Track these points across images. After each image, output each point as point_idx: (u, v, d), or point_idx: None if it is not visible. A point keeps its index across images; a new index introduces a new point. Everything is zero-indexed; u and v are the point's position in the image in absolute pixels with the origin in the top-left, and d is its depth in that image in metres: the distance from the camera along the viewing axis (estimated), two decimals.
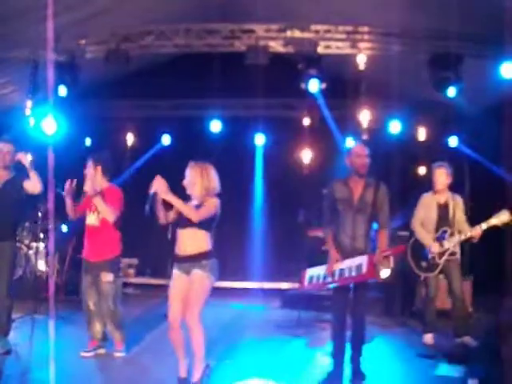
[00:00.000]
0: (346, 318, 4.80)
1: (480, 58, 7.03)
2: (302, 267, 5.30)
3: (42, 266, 8.17)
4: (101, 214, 5.26)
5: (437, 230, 5.93)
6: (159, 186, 4.37)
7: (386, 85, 8.11)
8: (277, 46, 7.44)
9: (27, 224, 8.30)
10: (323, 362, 4.93)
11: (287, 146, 9.92)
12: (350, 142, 9.01)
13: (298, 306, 7.30)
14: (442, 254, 5.85)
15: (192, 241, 4.52)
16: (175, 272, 4.57)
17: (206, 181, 4.63)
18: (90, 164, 5.40)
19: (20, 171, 5.51)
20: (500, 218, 5.56)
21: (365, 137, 7.89)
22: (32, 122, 7.89)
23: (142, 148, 10.40)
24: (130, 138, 10.40)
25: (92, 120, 9.73)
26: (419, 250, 5.99)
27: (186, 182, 4.66)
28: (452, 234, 5.86)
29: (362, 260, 4.57)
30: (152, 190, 4.40)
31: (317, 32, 7.34)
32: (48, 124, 7.71)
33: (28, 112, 7.82)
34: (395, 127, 9.12)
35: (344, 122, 9.02)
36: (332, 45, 7.42)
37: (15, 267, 5.76)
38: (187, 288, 4.50)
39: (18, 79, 7.78)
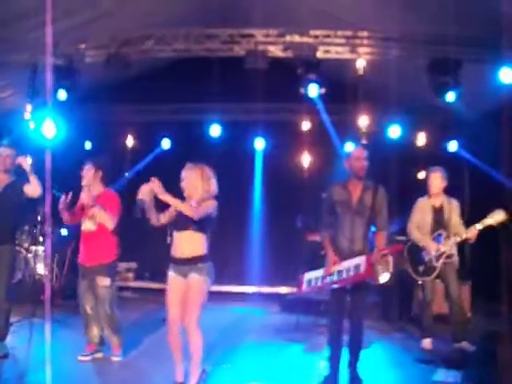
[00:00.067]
0: (343, 321, 4.81)
1: (479, 63, 7.04)
2: (301, 271, 5.29)
3: (41, 269, 8.17)
4: (100, 221, 5.26)
5: (432, 233, 5.96)
6: (155, 187, 4.37)
7: (386, 89, 8.11)
8: (276, 51, 7.44)
9: (27, 227, 8.30)
10: (321, 366, 4.92)
11: (286, 151, 9.93)
12: (349, 146, 9.00)
13: (296, 310, 7.31)
14: (438, 257, 5.86)
15: (189, 244, 4.53)
16: (171, 274, 4.58)
17: (206, 183, 4.64)
18: (89, 167, 5.40)
19: (20, 175, 5.53)
20: (495, 218, 5.58)
21: (364, 141, 7.89)
22: (32, 125, 7.91)
23: (141, 152, 10.41)
24: (129, 142, 10.42)
25: (91, 124, 9.75)
26: (416, 254, 6.01)
27: (184, 184, 4.64)
28: (447, 237, 5.88)
29: (360, 260, 4.60)
30: (140, 196, 4.41)
31: (316, 37, 7.34)
32: (48, 128, 7.72)
33: (27, 116, 7.84)
34: (394, 132, 9.12)
35: (343, 127, 9.02)
36: (331, 49, 7.42)
37: (14, 271, 5.77)
38: (184, 290, 4.51)
39: (17, 83, 7.79)
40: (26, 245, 8.16)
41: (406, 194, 6.74)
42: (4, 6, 6.39)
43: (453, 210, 5.96)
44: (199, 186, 4.60)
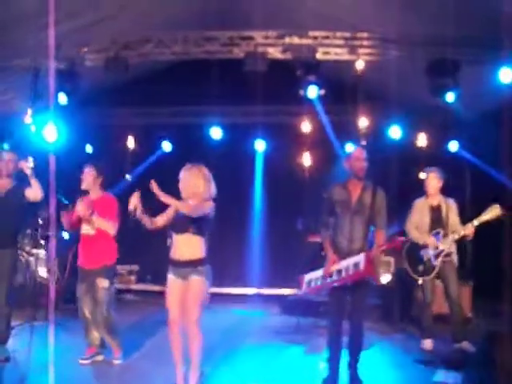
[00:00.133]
0: (342, 322, 4.83)
1: (478, 64, 7.04)
2: (302, 273, 5.31)
3: (42, 272, 8.19)
4: (100, 229, 5.27)
5: (430, 232, 6.00)
6: (154, 190, 4.38)
7: (385, 90, 8.12)
8: (275, 53, 7.46)
9: (28, 231, 8.32)
10: (320, 368, 4.92)
11: (286, 152, 9.92)
12: (349, 147, 9.02)
13: (297, 312, 7.30)
14: (437, 256, 5.88)
15: (188, 247, 4.55)
16: (170, 277, 4.60)
17: (207, 185, 4.64)
18: (89, 171, 5.41)
19: (21, 180, 5.56)
20: (491, 213, 5.61)
21: (363, 142, 7.89)
22: (33, 129, 7.94)
23: (142, 155, 10.42)
24: (130, 145, 10.42)
25: (92, 127, 9.76)
26: (415, 254, 6.03)
27: (182, 185, 4.64)
28: (445, 235, 5.90)
29: (359, 258, 4.64)
30: (130, 207, 4.43)
31: (315, 38, 7.36)
32: (49, 131, 7.75)
33: (28, 119, 7.87)
34: (394, 132, 9.12)
35: (343, 128, 9.02)
36: (330, 51, 7.42)
37: (15, 275, 5.80)
38: (184, 293, 4.54)
39: (18, 86, 7.81)
40: (27, 248, 8.17)
41: (407, 194, 6.74)
42: (5, 10, 6.41)
43: (450, 210, 6.01)
44: (200, 185, 4.60)
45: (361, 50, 7.44)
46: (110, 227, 5.27)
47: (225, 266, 9.12)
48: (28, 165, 5.52)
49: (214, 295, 8.91)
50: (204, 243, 4.61)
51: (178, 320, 4.54)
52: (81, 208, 5.22)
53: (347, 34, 7.37)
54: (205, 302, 4.60)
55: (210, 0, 7.61)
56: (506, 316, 5.83)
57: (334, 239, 4.85)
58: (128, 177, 10.34)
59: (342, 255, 4.76)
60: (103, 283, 5.24)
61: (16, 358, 5.36)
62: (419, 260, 6.00)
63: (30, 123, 7.89)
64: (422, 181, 6.29)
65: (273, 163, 10.08)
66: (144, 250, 9.48)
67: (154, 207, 4.69)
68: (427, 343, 5.99)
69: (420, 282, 6.00)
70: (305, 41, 7.38)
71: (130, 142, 10.38)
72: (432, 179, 6.08)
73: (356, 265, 4.64)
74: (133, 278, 10.01)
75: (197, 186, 4.61)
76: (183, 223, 4.52)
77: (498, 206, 5.62)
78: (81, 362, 5.29)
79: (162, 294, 4.72)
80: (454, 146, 9.35)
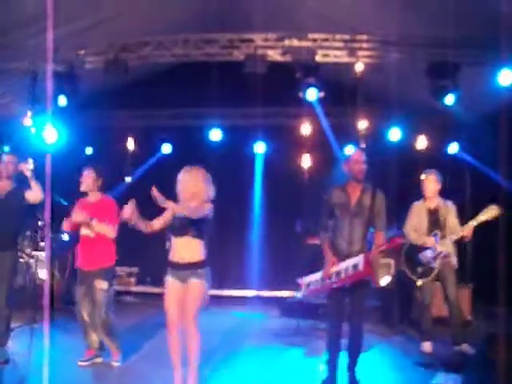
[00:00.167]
0: (341, 324, 4.83)
1: (477, 65, 7.05)
2: (302, 275, 5.34)
3: (42, 274, 8.18)
4: (100, 233, 5.27)
5: (428, 234, 6.00)
6: (155, 197, 4.38)
7: (385, 92, 8.13)
8: (275, 55, 7.48)
9: (28, 233, 8.32)
10: (320, 371, 4.92)
11: (286, 155, 9.93)
12: (349, 150, 9.02)
13: (296, 314, 7.30)
14: (435, 258, 5.89)
15: (187, 249, 4.55)
16: (169, 279, 4.60)
17: (206, 187, 4.64)
18: (89, 173, 5.42)
19: (21, 182, 5.57)
20: (489, 213, 5.65)
21: (363, 144, 7.90)
22: (32, 131, 7.95)
23: (142, 157, 10.44)
24: (129, 148, 10.44)
25: (92, 130, 9.78)
26: (414, 256, 6.03)
27: (181, 187, 4.62)
28: (443, 237, 5.91)
29: (358, 259, 4.65)
30: (125, 216, 4.43)
31: (314, 41, 7.38)
32: (48, 134, 7.76)
33: (28, 122, 7.88)
34: (394, 135, 9.12)
35: (343, 130, 9.03)
36: (330, 53, 7.45)
37: (15, 277, 5.80)
38: (182, 295, 4.54)
39: (17, 89, 7.82)
40: (27, 250, 8.18)
41: (406, 196, 6.74)
42: (3, 13, 6.42)
43: (449, 212, 6.02)
44: (199, 187, 4.60)
45: (360, 53, 7.46)
46: (110, 231, 5.27)
47: (224, 269, 9.14)
48: (28, 167, 5.53)
49: (213, 297, 8.92)
50: (203, 246, 4.61)
51: (177, 322, 4.55)
52: (78, 217, 5.21)
53: (347, 37, 7.39)
54: (204, 304, 4.60)
55: (210, 2, 7.63)
56: (506, 318, 5.83)
57: (334, 241, 4.85)
58: (128, 179, 10.40)
59: (342, 257, 4.77)
60: (102, 285, 5.23)
61: (16, 360, 5.35)
62: (418, 262, 6.00)
63: (30, 126, 7.91)
64: (422, 183, 6.29)
65: (272, 165, 10.09)
66: (144, 252, 9.48)
67: (152, 210, 4.70)
68: (427, 346, 5.98)
69: (419, 283, 6.00)
70: (304, 43, 7.40)
71: (130, 145, 10.40)
72: (430, 182, 6.09)
73: (355, 266, 4.65)
74: (132, 280, 10.02)
75: (196, 188, 4.60)
76: (182, 226, 4.52)
77: (495, 206, 5.65)
78: (80, 364, 5.29)
79: (161, 296, 4.71)
80: (453, 147, 9.36)
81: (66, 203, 6.19)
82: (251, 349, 6.31)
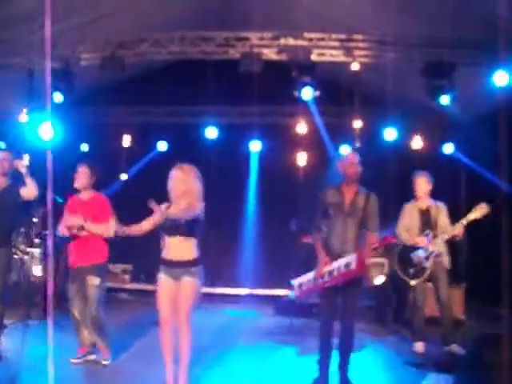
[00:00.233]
0: (333, 324, 4.85)
1: (473, 66, 7.06)
2: (297, 273, 5.36)
3: (36, 271, 8.19)
4: (97, 234, 5.27)
5: (420, 234, 6.02)
6: (156, 210, 4.41)
7: (381, 92, 8.14)
8: (271, 54, 7.48)
9: (23, 229, 8.32)
10: (312, 369, 4.93)
11: (281, 153, 9.94)
12: (344, 150, 9.05)
13: (290, 313, 7.31)
14: (427, 258, 5.91)
15: (180, 248, 4.55)
16: (162, 277, 4.61)
17: (198, 185, 4.65)
18: (83, 170, 5.41)
19: (16, 179, 5.57)
20: (478, 212, 5.70)
21: (358, 144, 7.91)
22: (28, 128, 7.94)
23: (137, 154, 10.43)
24: (125, 144, 10.43)
25: (87, 126, 9.77)
26: (406, 256, 6.05)
27: (173, 184, 4.59)
28: (435, 237, 5.93)
29: (351, 258, 4.68)
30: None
31: (310, 40, 7.38)
32: (45, 130, 7.74)
33: (24, 118, 7.87)
34: (389, 134, 9.12)
35: (338, 130, 9.04)
36: (326, 52, 7.45)
37: (9, 274, 5.80)
38: (175, 293, 4.54)
39: (13, 85, 7.81)
40: (21, 247, 8.18)
41: (402, 196, 6.75)
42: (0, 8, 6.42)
43: (440, 212, 6.05)
44: (191, 185, 4.60)
45: (356, 52, 7.46)
46: (106, 230, 5.27)
47: (219, 267, 9.15)
48: (23, 163, 5.53)
49: (207, 295, 8.96)
50: (196, 244, 4.61)
51: (170, 320, 4.56)
52: (72, 222, 5.20)
53: (342, 36, 7.40)
54: (197, 302, 4.61)
55: (207, 0, 7.62)
56: (499, 319, 5.85)
57: (327, 241, 4.87)
58: (123, 176, 10.40)
59: (334, 257, 4.79)
60: (94, 281, 5.21)
61: (8, 357, 5.35)
62: (410, 263, 6.02)
63: (26, 122, 7.89)
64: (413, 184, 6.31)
65: (268, 163, 10.10)
66: (138, 250, 9.47)
67: (146, 208, 4.71)
68: (419, 346, 6.00)
69: (412, 284, 6.02)
70: (300, 42, 7.40)
71: (126, 142, 10.39)
72: (421, 183, 6.13)
73: (347, 265, 4.69)
74: (127, 277, 10.02)
75: (188, 186, 4.60)
76: (174, 226, 4.52)
77: (485, 204, 5.70)
78: (72, 361, 5.29)
79: (155, 293, 4.73)
80: (449, 147, 9.37)
81: (61, 200, 6.18)
82: (244, 347, 6.32)
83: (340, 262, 4.72)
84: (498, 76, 6.81)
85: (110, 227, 5.24)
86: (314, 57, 7.37)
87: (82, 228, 5.22)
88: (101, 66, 7.43)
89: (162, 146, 10.34)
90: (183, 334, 4.51)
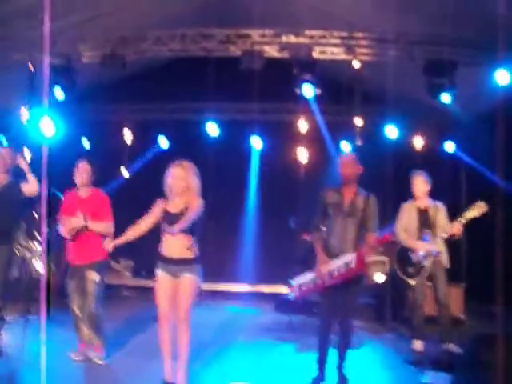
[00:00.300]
0: (331, 322, 4.87)
1: (474, 65, 7.05)
2: (297, 271, 5.37)
3: (37, 266, 8.21)
4: (99, 233, 5.30)
5: (419, 234, 6.02)
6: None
7: (382, 90, 8.13)
8: (272, 51, 7.48)
9: (24, 226, 8.34)
10: (310, 367, 4.95)
11: (282, 150, 9.94)
12: (344, 147, 9.07)
13: (290, 310, 7.32)
14: (426, 256, 5.92)
15: (178, 246, 4.56)
16: (160, 273, 4.64)
17: (197, 182, 4.67)
18: (84, 166, 5.42)
19: (18, 175, 5.59)
20: (476, 210, 5.69)
21: (358, 142, 7.91)
22: (29, 124, 7.95)
23: (138, 151, 10.44)
24: (126, 141, 10.44)
25: (89, 123, 9.78)
26: (405, 256, 6.05)
27: (172, 182, 4.61)
28: (434, 236, 5.93)
29: (351, 257, 4.71)
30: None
31: (312, 37, 7.38)
32: (46, 127, 7.75)
33: (25, 114, 7.89)
34: (391, 132, 9.11)
35: (339, 127, 9.04)
36: (327, 50, 7.46)
37: (10, 270, 5.83)
38: (173, 289, 4.58)
39: (15, 81, 7.82)
40: (23, 242, 8.19)
41: (402, 195, 6.75)
42: (1, 6, 6.42)
43: (439, 212, 6.04)
44: (191, 182, 4.62)
45: (357, 50, 7.46)
46: (107, 228, 5.29)
47: (219, 263, 9.14)
48: (24, 160, 5.56)
49: (207, 292, 8.97)
50: (195, 242, 4.63)
51: (169, 316, 4.59)
52: (75, 223, 5.21)
53: (344, 34, 7.39)
54: (196, 299, 4.64)
55: None
56: (499, 318, 5.85)
57: (326, 241, 4.89)
58: (124, 173, 10.42)
59: (334, 257, 4.80)
60: (93, 276, 5.22)
61: (8, 352, 5.38)
62: (409, 262, 6.02)
63: (27, 118, 7.91)
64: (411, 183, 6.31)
65: (268, 160, 10.09)
66: (139, 246, 9.46)
67: (147, 204, 4.74)
68: (417, 344, 6.00)
69: (411, 283, 6.02)
70: (301, 39, 7.40)
71: (127, 139, 10.40)
72: (419, 183, 6.11)
73: (347, 264, 4.71)
74: (127, 273, 10.04)
75: (188, 183, 4.62)
76: (172, 223, 4.54)
77: (483, 203, 5.69)
78: (72, 357, 5.30)
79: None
80: (450, 146, 9.37)
81: (62, 196, 6.20)
82: (243, 344, 6.35)
83: (339, 262, 4.74)
84: (499, 75, 6.80)
85: (112, 224, 5.28)
86: (315, 54, 7.37)
87: (85, 228, 5.23)
88: (101, 63, 7.44)
89: (164, 142, 10.35)
90: (182, 330, 4.55)
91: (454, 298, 7.01)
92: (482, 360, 4.86)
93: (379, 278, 7.83)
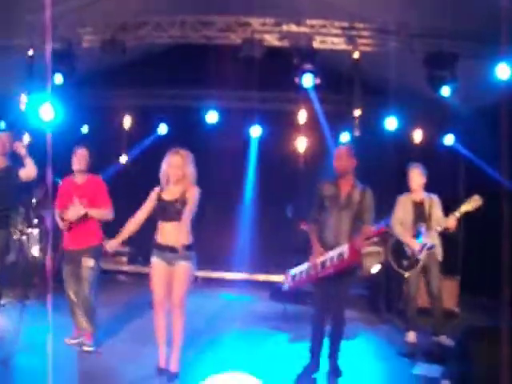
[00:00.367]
0: (325, 312, 4.90)
1: (475, 58, 7.02)
2: (295, 259, 5.42)
3: (35, 251, 8.25)
4: (100, 219, 5.32)
5: (414, 227, 6.04)
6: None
7: (382, 81, 8.11)
8: (272, 40, 7.45)
9: (22, 210, 8.36)
10: (303, 356, 4.99)
11: (281, 139, 9.93)
12: (343, 138, 9.06)
13: (285, 299, 7.35)
14: (421, 250, 5.94)
15: (175, 233, 4.57)
16: (156, 260, 4.67)
17: (193, 169, 4.68)
18: (83, 152, 5.41)
19: (15, 160, 5.59)
20: (471, 204, 5.73)
21: (357, 133, 7.89)
22: (28, 109, 7.94)
23: (137, 137, 10.43)
24: (126, 127, 10.42)
25: (88, 109, 9.75)
26: (400, 248, 6.08)
27: (173, 169, 4.62)
28: (429, 229, 5.95)
29: (344, 248, 4.72)
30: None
31: (312, 27, 7.34)
32: (45, 111, 7.73)
33: (24, 99, 7.87)
34: (390, 124, 9.09)
35: (338, 117, 9.01)
36: (327, 40, 7.42)
37: (7, 255, 5.86)
38: (168, 276, 4.62)
39: (15, 66, 7.79)
40: (20, 227, 8.22)
41: (399, 186, 6.76)
42: None
43: (434, 205, 6.06)
44: (188, 169, 4.63)
45: (358, 40, 7.42)
46: (107, 214, 5.31)
47: (215, 251, 9.16)
48: (22, 144, 5.56)
49: (203, 279, 9.01)
50: (190, 229, 4.65)
51: (164, 302, 4.63)
52: (75, 214, 5.21)
53: (345, 24, 7.35)
54: (190, 286, 4.67)
55: None
56: (493, 311, 5.89)
57: (322, 233, 4.91)
58: (123, 158, 10.42)
59: (328, 249, 4.82)
60: (88, 262, 5.23)
61: (4, 336, 5.39)
62: (404, 255, 6.05)
63: (26, 103, 7.89)
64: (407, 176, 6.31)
65: (267, 149, 10.08)
66: (135, 232, 9.50)
67: (145, 190, 4.75)
68: (411, 336, 6.04)
69: (406, 276, 6.05)
70: (302, 29, 7.37)
71: (126, 124, 10.39)
72: (415, 175, 6.12)
73: (340, 254, 4.73)
74: (124, 259, 10.07)
75: (184, 171, 4.63)
76: (168, 211, 4.57)
77: (478, 196, 5.72)
78: (67, 342, 5.32)
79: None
80: (449, 139, 9.36)
81: (60, 182, 6.21)
82: (237, 332, 6.38)
83: (333, 253, 4.76)
84: (500, 69, 6.77)
85: (111, 209, 5.30)
86: (315, 44, 7.34)
87: (85, 216, 5.23)
88: (101, 48, 7.40)
89: (163, 129, 10.34)
90: (176, 317, 4.60)
91: (449, 291, 7.05)
92: (473, 352, 4.90)
93: (375, 268, 7.87)
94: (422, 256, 5.92)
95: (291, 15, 7.41)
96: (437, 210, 6.03)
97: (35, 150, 5.42)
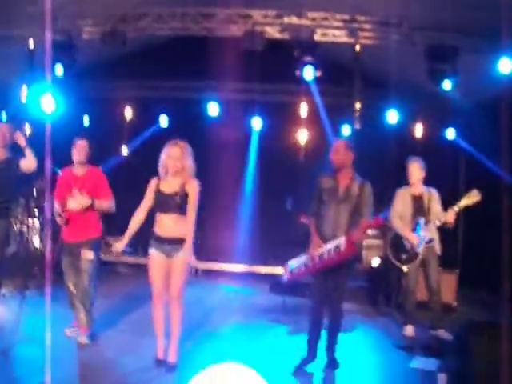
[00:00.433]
0: (323, 305, 4.92)
1: (476, 52, 7.00)
2: (295, 252, 5.43)
3: (35, 242, 8.28)
4: (103, 211, 5.33)
5: (413, 220, 6.05)
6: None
7: (383, 74, 8.09)
8: (273, 32, 7.45)
9: (22, 201, 8.38)
10: (302, 348, 5.02)
11: (282, 131, 9.92)
12: (344, 130, 9.06)
13: (284, 291, 7.38)
14: (420, 244, 5.96)
15: (174, 225, 4.60)
16: (154, 252, 4.68)
17: (192, 161, 4.69)
18: (83, 143, 5.41)
19: (16, 151, 5.60)
20: (470, 199, 5.75)
21: (357, 126, 7.89)
22: (28, 100, 7.94)
23: (138, 129, 10.41)
24: (127, 119, 10.41)
25: (89, 100, 9.74)
26: (399, 242, 6.09)
27: (172, 161, 4.62)
28: (428, 223, 5.96)
29: (340, 240, 4.74)
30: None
31: (314, 19, 7.34)
32: (46, 102, 7.74)
33: (25, 91, 7.87)
34: (391, 117, 9.08)
35: (339, 110, 9.00)
36: (329, 33, 7.42)
37: (7, 246, 5.88)
38: (166, 268, 4.64)
39: (15, 57, 7.78)
40: (20, 218, 8.24)
41: (399, 179, 6.76)
42: None
43: (433, 199, 6.06)
44: (187, 161, 4.64)
45: (359, 33, 7.41)
46: (110, 206, 5.33)
47: (216, 243, 9.19)
48: (23, 136, 5.56)
49: (203, 271, 9.02)
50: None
51: (162, 294, 4.66)
52: (78, 204, 5.21)
53: (346, 17, 7.34)
54: (188, 278, 4.70)
55: None
56: (492, 305, 5.90)
57: (320, 226, 4.93)
58: (124, 150, 10.42)
59: (327, 241, 4.84)
60: (88, 255, 5.23)
61: (4, 327, 5.43)
62: (403, 248, 6.06)
63: (27, 94, 7.89)
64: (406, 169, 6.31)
65: (268, 141, 10.06)
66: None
67: (146, 182, 4.77)
68: (409, 329, 6.07)
69: (405, 269, 6.07)
70: (303, 21, 7.36)
71: (127, 116, 10.38)
72: (414, 169, 6.12)
73: (337, 247, 4.75)
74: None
75: (183, 163, 4.63)
76: (167, 203, 4.58)
77: (477, 191, 5.73)
78: (66, 332, 5.35)
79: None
80: (450, 133, 9.35)
81: (60, 172, 6.22)
82: (236, 324, 6.39)
83: (330, 245, 4.79)
84: (502, 63, 6.74)
85: (112, 200, 5.31)
86: (316, 37, 7.34)
87: (91, 206, 5.22)
88: (102, 40, 7.40)
89: (163, 121, 10.33)
90: (174, 308, 4.63)
91: (448, 285, 7.06)
92: (471, 346, 4.91)
93: (375, 261, 7.90)
94: (420, 250, 5.93)
95: (292, 7, 7.39)
96: (436, 204, 6.04)
97: (36, 141, 5.42)
